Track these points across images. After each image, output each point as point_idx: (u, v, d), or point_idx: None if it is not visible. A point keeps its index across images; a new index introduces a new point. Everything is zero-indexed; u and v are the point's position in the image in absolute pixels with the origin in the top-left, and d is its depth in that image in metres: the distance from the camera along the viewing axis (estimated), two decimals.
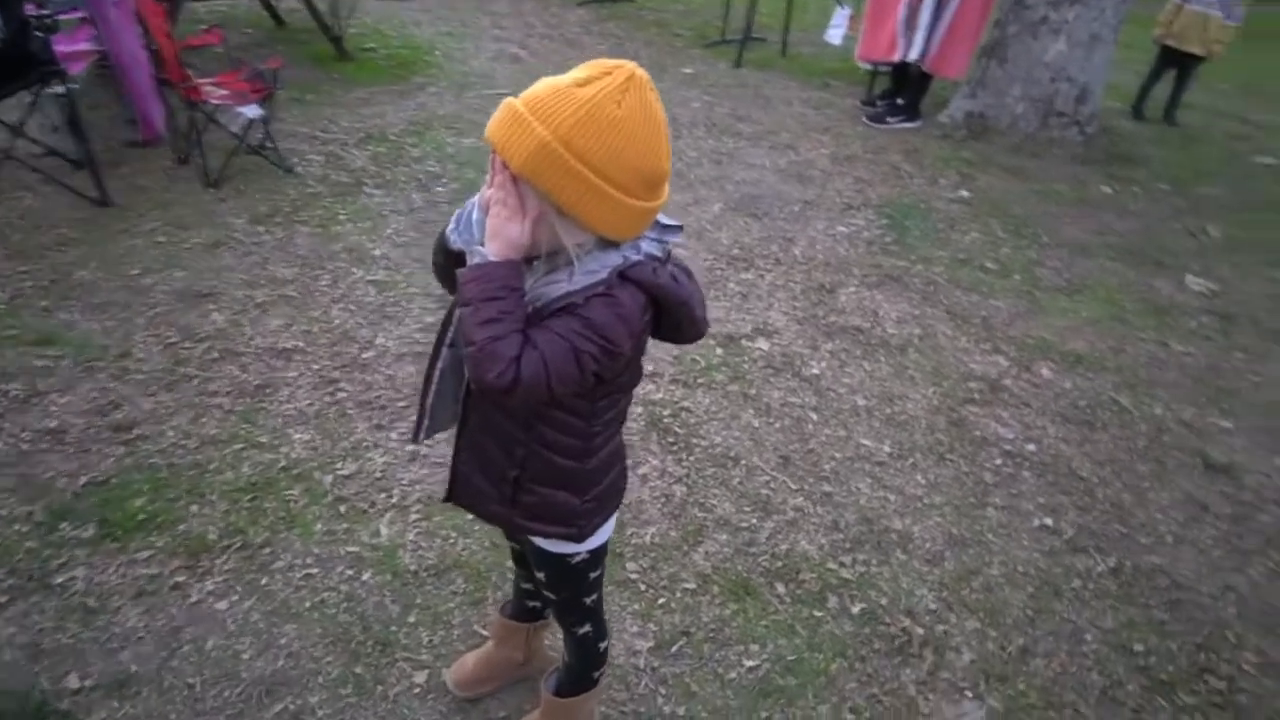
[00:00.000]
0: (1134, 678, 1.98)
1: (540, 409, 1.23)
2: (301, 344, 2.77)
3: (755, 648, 1.95)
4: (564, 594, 1.47)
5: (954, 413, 2.79)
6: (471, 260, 1.14)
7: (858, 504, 2.39)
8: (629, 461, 1.49)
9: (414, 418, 1.43)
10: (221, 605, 1.94)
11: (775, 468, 2.49)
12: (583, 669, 1.61)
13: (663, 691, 1.84)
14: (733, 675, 1.89)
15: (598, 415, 1.26)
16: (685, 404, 2.69)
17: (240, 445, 2.36)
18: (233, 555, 2.05)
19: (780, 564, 2.17)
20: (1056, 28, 4.86)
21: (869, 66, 5.52)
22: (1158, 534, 2.40)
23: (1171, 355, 3.25)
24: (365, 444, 2.42)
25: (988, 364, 3.06)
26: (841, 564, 2.19)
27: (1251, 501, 2.56)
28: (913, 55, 4.92)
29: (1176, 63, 5.69)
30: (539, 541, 1.37)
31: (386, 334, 2.86)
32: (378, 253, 3.30)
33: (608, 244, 1.15)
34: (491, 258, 1.12)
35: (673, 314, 1.20)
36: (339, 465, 2.33)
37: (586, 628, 1.53)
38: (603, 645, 1.58)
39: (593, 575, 1.45)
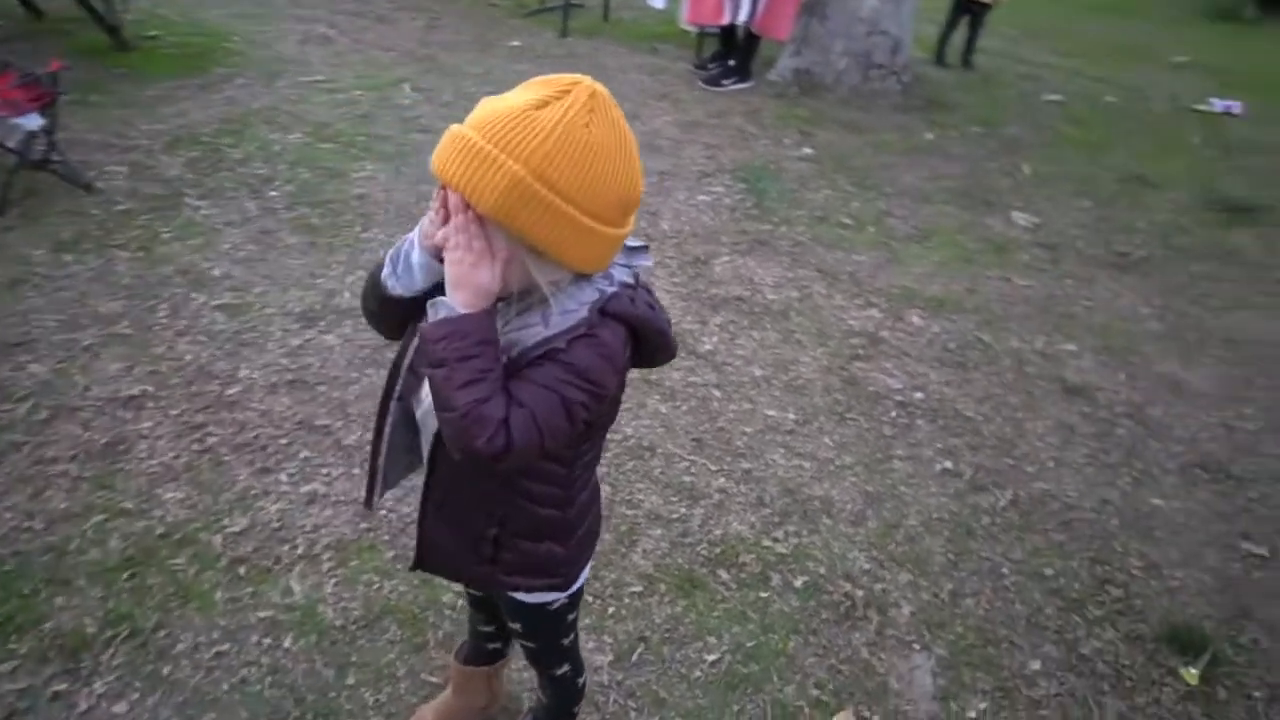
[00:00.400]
0: (1050, 601, 2.14)
1: None
2: (150, 388, 2.43)
3: (713, 640, 1.94)
4: (542, 640, 1.38)
5: (844, 371, 2.88)
6: (434, 314, 1.01)
7: (777, 476, 2.42)
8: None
9: (365, 474, 1.29)
10: (120, 708, 1.68)
11: (691, 451, 2.47)
12: (562, 708, 1.53)
13: (633, 705, 1.79)
14: (697, 674, 1.87)
15: (579, 459, 1.17)
16: None
17: (101, 516, 2.05)
18: (121, 647, 1.78)
19: (718, 550, 2.17)
20: None
21: (695, 29, 5.54)
22: (1040, 461, 2.60)
23: (1015, 289, 3.53)
24: (253, 492, 2.17)
25: (864, 319, 3.19)
26: (775, 540, 2.22)
27: (1107, 418, 2.83)
28: (741, 17, 4.98)
29: (969, 11, 6.11)
30: (519, 595, 1.27)
31: (249, 364, 2.57)
32: (217, 272, 2.96)
33: (580, 276, 1.05)
34: (460, 309, 0.99)
35: (650, 342, 1.12)
36: (227, 521, 2.08)
37: (565, 668, 1.45)
38: (581, 681, 1.51)
39: (570, 617, 1.36)
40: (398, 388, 1.19)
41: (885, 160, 4.48)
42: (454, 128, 0.98)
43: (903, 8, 5.21)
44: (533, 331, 1.04)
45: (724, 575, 2.11)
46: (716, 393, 2.72)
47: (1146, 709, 1.91)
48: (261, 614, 1.88)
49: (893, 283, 3.43)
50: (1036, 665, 1.97)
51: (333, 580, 1.97)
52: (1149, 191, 4.54)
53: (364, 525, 2.13)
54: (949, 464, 2.54)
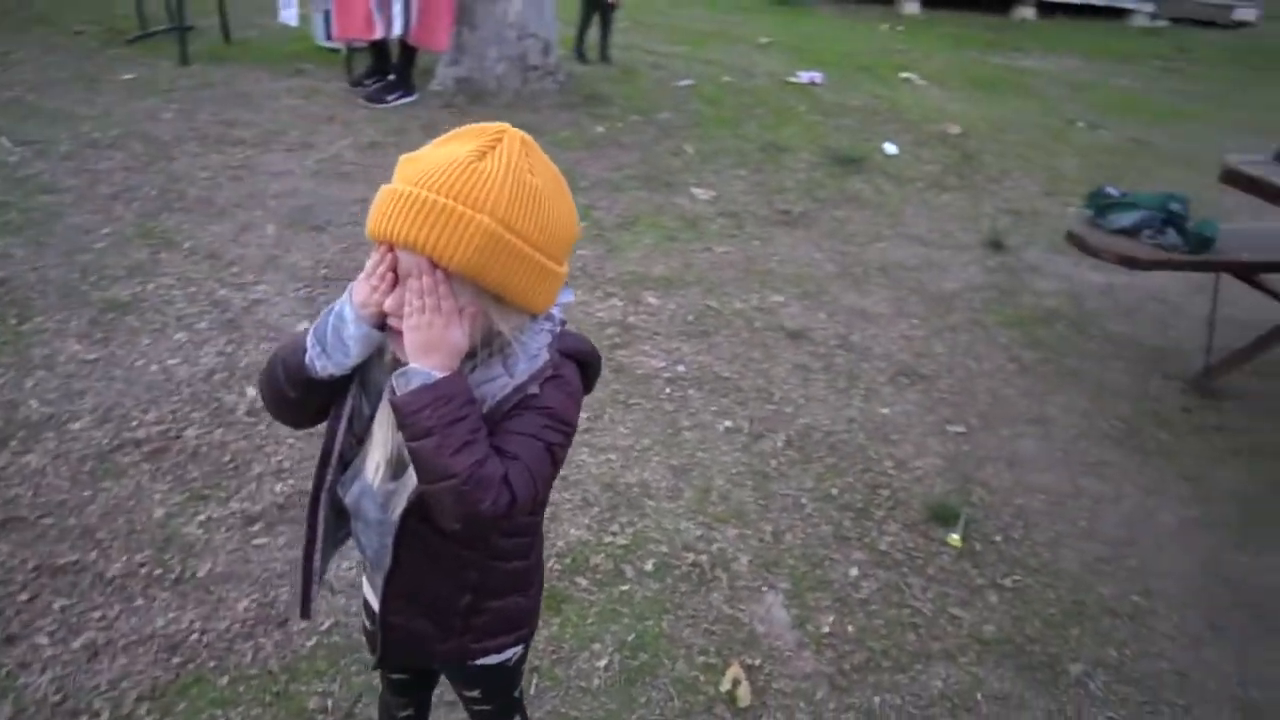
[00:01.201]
0: (844, 515, 2.50)
1: None
2: None
3: (597, 646, 1.99)
4: (500, 698, 1.34)
5: (611, 361, 3.03)
6: (406, 384, 0.95)
7: (592, 474, 2.50)
8: None
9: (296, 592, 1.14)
10: None
11: None
12: None
13: None
14: (596, 682, 1.91)
15: (544, 501, 1.15)
16: None
17: None
18: None
19: (568, 560, 2.20)
20: None
21: (342, 46, 5.27)
22: (793, 400, 2.99)
23: (719, 257, 3.95)
24: (3, 670, 1.74)
25: (609, 309, 3.36)
26: (614, 534, 2.31)
27: (825, 352, 3.32)
28: (396, 30, 4.84)
29: (598, 10, 6.55)
30: (485, 660, 1.21)
31: None
32: None
33: (532, 319, 1.04)
34: (437, 374, 0.94)
35: (593, 371, 1.15)
36: None
37: (517, 719, 1.41)
38: None
39: (523, 666, 1.34)
40: (328, 478, 1.08)
41: (569, 157, 4.69)
42: (396, 188, 0.92)
43: (545, 10, 5.44)
44: (500, 383, 1.01)
45: (583, 582, 2.15)
46: None
47: (937, 576, 2.33)
48: None
49: (621, 270, 3.65)
50: (855, 571, 2.31)
51: None
52: (785, 155, 5.30)
53: (177, 659, 1.82)
54: (729, 423, 2.81)
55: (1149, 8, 12.35)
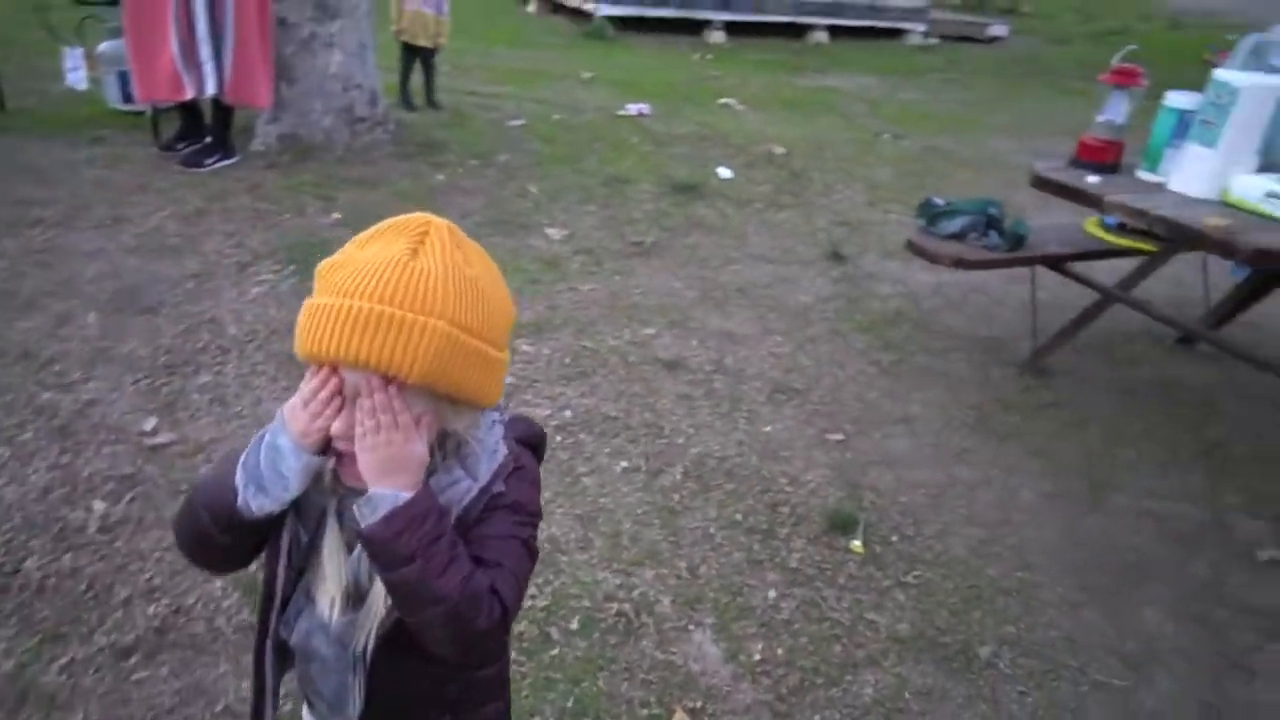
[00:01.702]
0: (752, 539, 2.55)
1: None
2: None
3: (539, 719, 1.91)
4: None
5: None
6: (371, 513, 0.87)
7: None
8: None
9: None
10: None
11: None
12: None
13: None
14: None
15: None
16: None
17: None
18: None
19: None
20: (328, 41, 5.02)
21: (145, 108, 4.87)
22: (683, 431, 3.03)
23: (583, 294, 3.95)
24: None
25: None
26: (532, 597, 2.24)
27: (703, 378, 3.39)
28: (209, 89, 4.52)
29: (418, 54, 6.44)
30: None
31: None
32: None
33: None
34: (404, 494, 0.87)
35: (543, 451, 1.12)
36: None
37: None
38: None
39: None
40: (273, 622, 0.98)
41: (413, 208, 4.55)
42: (330, 302, 0.85)
43: (367, 60, 5.28)
44: (463, 486, 0.95)
45: (511, 654, 2.06)
46: None
47: (847, 585, 2.42)
48: None
49: None
50: (773, 594, 2.36)
51: None
52: (627, 187, 5.40)
53: None
54: (625, 462, 2.81)
55: (921, 28, 13.69)
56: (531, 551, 1.00)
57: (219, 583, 2.17)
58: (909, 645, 2.24)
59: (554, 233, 4.58)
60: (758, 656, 2.15)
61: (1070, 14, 17.45)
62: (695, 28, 12.14)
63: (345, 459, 0.93)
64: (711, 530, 2.56)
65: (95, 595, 2.10)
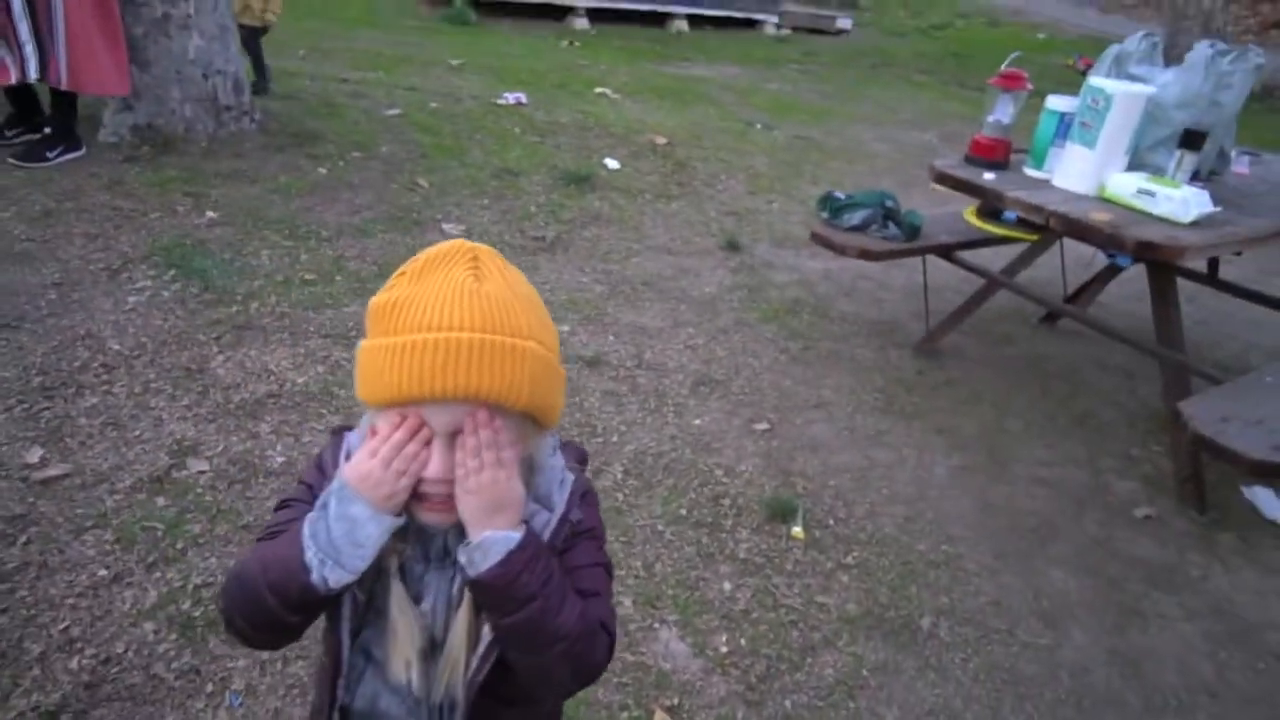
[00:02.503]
0: (699, 533, 2.60)
1: None
2: None
3: None
4: None
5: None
6: (483, 560, 0.83)
7: None
8: None
9: None
10: None
11: None
12: None
13: None
14: None
15: None
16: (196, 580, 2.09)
17: None
18: None
19: None
20: (184, 23, 4.60)
21: None
22: (615, 429, 3.02)
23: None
24: None
25: None
26: None
27: (627, 374, 3.39)
28: (31, 74, 4.02)
29: (244, 35, 5.95)
30: None
31: None
32: None
33: None
34: (514, 535, 0.83)
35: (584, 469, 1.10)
36: None
37: None
38: None
39: None
40: (340, 696, 0.92)
41: (297, 205, 4.28)
42: (414, 338, 0.79)
43: (229, 43, 4.88)
44: (541, 519, 0.93)
45: None
46: None
47: (795, 570, 2.52)
48: None
49: None
50: (728, 585, 2.42)
51: None
52: (519, 180, 5.30)
53: None
54: None
55: (774, 19, 14.16)
56: (611, 576, 0.98)
57: (149, 625, 1.98)
58: (859, 624, 2.36)
59: (451, 228, 4.43)
60: (724, 649, 2.20)
61: (900, 9, 18.57)
62: (558, 13, 12.01)
63: (423, 503, 0.88)
64: (660, 527, 2.59)
65: (2, 655, 1.86)
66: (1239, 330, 4.64)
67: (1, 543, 2.14)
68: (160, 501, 2.34)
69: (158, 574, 2.12)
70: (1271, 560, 2.84)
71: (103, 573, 2.10)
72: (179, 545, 2.21)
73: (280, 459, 2.57)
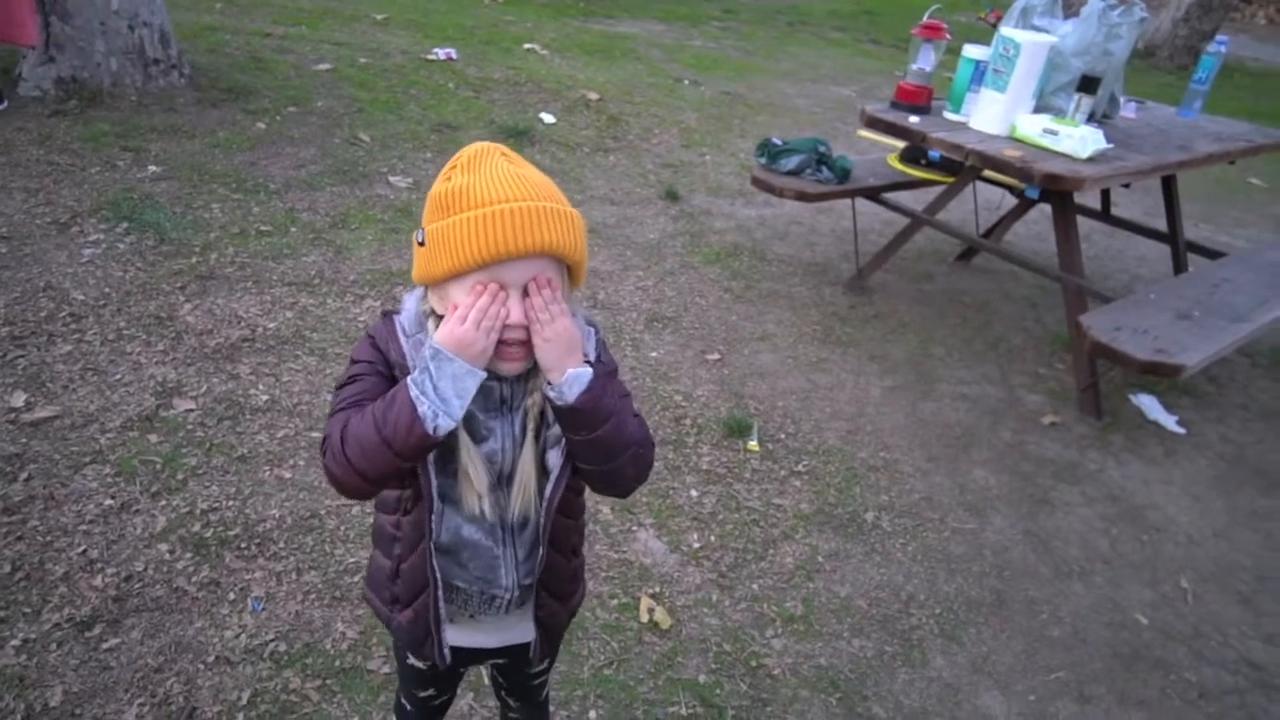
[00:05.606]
0: (665, 450, 2.83)
1: None
2: None
3: None
4: (553, 655, 1.41)
5: None
6: (571, 390, 1.02)
7: None
8: None
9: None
10: None
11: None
12: None
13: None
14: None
15: None
16: (205, 503, 2.21)
17: None
18: None
19: None
20: None
21: None
22: None
23: None
24: None
25: (369, 312, 3.25)
26: None
27: (599, 318, 3.58)
28: None
29: None
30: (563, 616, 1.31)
31: None
32: None
33: None
34: (586, 369, 1.03)
35: None
36: None
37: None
38: None
39: None
40: (433, 525, 1.11)
41: (241, 160, 4.27)
42: (491, 209, 0.97)
43: None
44: None
45: None
46: (309, 432, 2.56)
47: (753, 478, 2.78)
48: None
49: (360, 271, 3.52)
50: (695, 493, 2.66)
51: None
52: (458, 133, 5.36)
53: None
54: None
55: None
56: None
57: (163, 546, 2.10)
58: (812, 520, 2.64)
59: (398, 181, 4.49)
60: (696, 545, 2.45)
61: None
62: None
63: (502, 355, 1.05)
64: None
65: (26, 576, 1.96)
66: (1127, 265, 5.13)
67: (2, 480, 2.20)
68: (153, 438, 2.43)
69: (163, 502, 2.23)
70: (1154, 454, 3.26)
71: (109, 502, 2.19)
72: (179, 476, 2.32)
73: (264, 397, 2.67)
